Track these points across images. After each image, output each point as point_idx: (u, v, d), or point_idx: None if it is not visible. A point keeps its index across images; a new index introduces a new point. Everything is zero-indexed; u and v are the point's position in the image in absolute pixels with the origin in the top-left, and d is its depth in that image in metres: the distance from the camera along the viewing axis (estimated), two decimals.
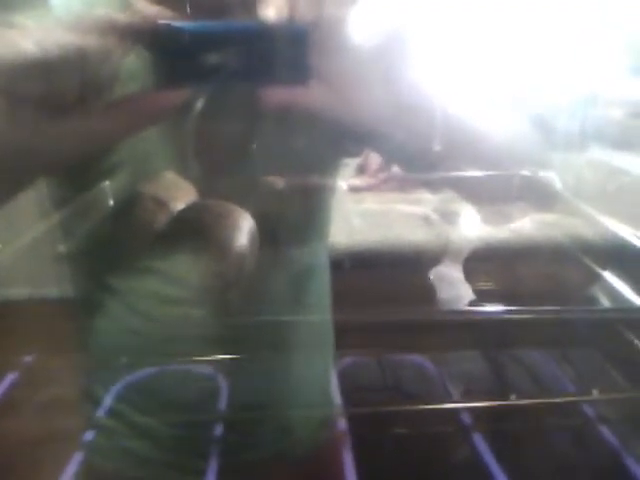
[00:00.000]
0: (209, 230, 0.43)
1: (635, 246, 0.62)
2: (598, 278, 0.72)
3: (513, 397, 0.49)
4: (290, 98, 0.31)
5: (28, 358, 0.56)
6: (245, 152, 0.49)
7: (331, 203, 0.57)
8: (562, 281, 0.73)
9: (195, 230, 0.44)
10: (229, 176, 0.49)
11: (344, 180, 0.84)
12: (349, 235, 0.72)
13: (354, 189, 0.87)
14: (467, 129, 0.41)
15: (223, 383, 0.52)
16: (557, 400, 0.55)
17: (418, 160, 0.41)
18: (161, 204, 0.45)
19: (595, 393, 0.52)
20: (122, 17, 0.29)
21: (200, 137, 0.45)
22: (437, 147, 0.38)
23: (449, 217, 0.79)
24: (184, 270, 0.47)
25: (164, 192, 0.46)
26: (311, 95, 0.32)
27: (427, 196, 0.84)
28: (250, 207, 0.46)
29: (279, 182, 0.50)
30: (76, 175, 0.46)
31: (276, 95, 0.31)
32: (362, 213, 0.81)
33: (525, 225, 0.73)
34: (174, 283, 0.50)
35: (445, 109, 0.38)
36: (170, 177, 0.48)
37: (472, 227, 0.75)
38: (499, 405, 0.52)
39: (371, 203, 0.85)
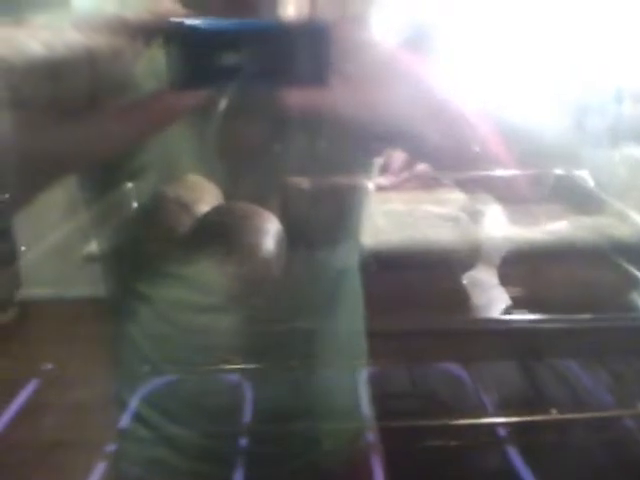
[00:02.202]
0: (234, 233, 0.42)
1: None
2: (638, 283, 0.68)
3: (554, 412, 0.47)
4: (311, 100, 0.30)
5: (52, 362, 0.56)
6: (269, 153, 0.48)
7: (362, 203, 0.55)
8: (599, 287, 0.70)
9: (220, 233, 0.43)
10: (254, 177, 0.48)
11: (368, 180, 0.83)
12: (374, 235, 0.70)
13: (377, 188, 0.85)
14: (504, 128, 0.39)
15: (249, 392, 0.51)
16: (597, 415, 0.52)
17: (453, 159, 0.39)
18: (185, 207, 0.44)
19: None
20: (134, 16, 0.28)
21: (224, 138, 0.44)
22: (476, 148, 0.36)
23: (477, 217, 0.76)
24: (209, 277, 0.46)
25: (188, 194, 0.45)
26: (332, 96, 0.30)
27: (454, 196, 0.82)
28: (277, 209, 0.45)
29: (305, 183, 0.49)
30: (104, 176, 0.45)
31: (296, 98, 0.30)
32: (387, 213, 0.79)
33: (562, 227, 0.70)
34: (200, 290, 0.50)
35: (481, 108, 0.37)
36: (194, 179, 0.47)
37: (504, 229, 0.72)
38: (535, 420, 0.49)
39: (395, 203, 0.83)
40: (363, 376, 0.55)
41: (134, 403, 0.52)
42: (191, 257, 0.44)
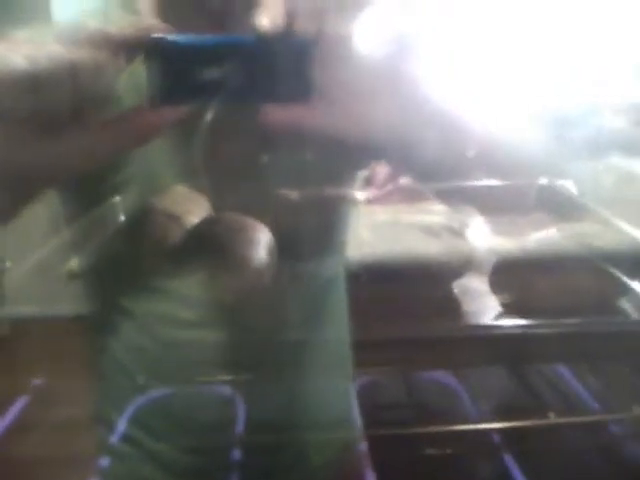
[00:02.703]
0: (225, 244, 0.42)
1: None
2: (625, 289, 0.69)
3: (552, 415, 0.47)
4: (293, 116, 0.30)
5: (40, 380, 0.55)
6: (256, 166, 0.48)
7: (348, 215, 0.56)
8: (587, 293, 0.71)
9: (210, 245, 0.43)
10: (241, 190, 0.48)
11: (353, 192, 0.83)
12: (359, 248, 0.70)
13: (363, 201, 0.86)
14: (484, 138, 0.39)
15: (240, 405, 0.50)
16: (591, 419, 0.52)
17: (442, 170, 0.40)
18: (173, 218, 0.44)
19: (636, 410, 0.49)
20: (116, 30, 0.28)
21: (210, 152, 0.44)
22: (470, 153, 0.36)
23: (461, 229, 0.77)
24: (198, 290, 0.46)
25: (176, 206, 0.45)
26: (314, 112, 0.30)
27: (437, 208, 0.83)
28: (266, 221, 0.45)
29: (294, 195, 0.49)
30: (87, 190, 0.45)
31: (278, 115, 0.30)
32: (372, 225, 0.80)
33: (550, 235, 0.71)
34: (189, 305, 0.49)
35: (462, 118, 0.37)
36: (181, 190, 0.47)
37: (488, 239, 0.73)
38: (528, 425, 0.49)
39: (380, 215, 0.84)
40: (353, 386, 0.55)
41: (121, 420, 0.51)
42: (181, 269, 0.44)
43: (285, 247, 0.44)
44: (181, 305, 0.49)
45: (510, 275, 0.67)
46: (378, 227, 0.78)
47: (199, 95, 0.29)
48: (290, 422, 0.53)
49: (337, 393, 0.57)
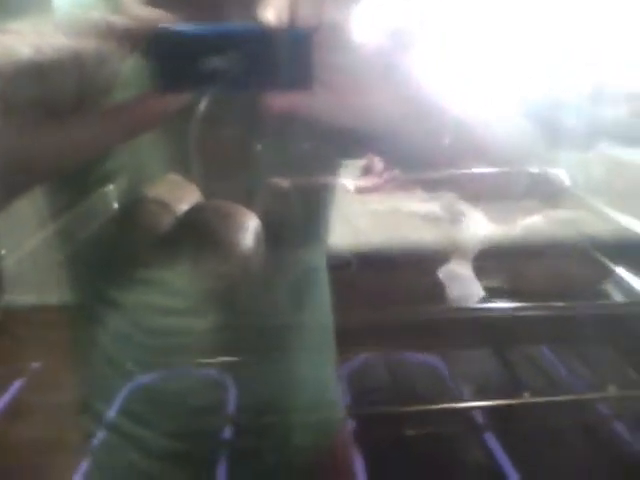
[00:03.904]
0: (214, 230, 0.43)
1: None
2: (610, 274, 0.71)
3: (527, 395, 0.48)
4: (292, 104, 0.31)
5: (35, 364, 0.56)
6: (249, 154, 0.48)
7: (332, 204, 0.56)
8: (572, 277, 0.72)
9: (200, 231, 0.43)
10: (233, 178, 0.48)
11: (351, 181, 0.84)
12: (355, 236, 0.71)
13: (360, 190, 0.86)
14: (475, 127, 0.40)
15: (230, 388, 0.52)
16: (570, 398, 0.54)
17: (424, 160, 0.40)
18: (164, 206, 0.44)
19: (611, 390, 0.51)
20: (120, 20, 0.28)
21: (203, 141, 0.45)
22: (446, 142, 0.37)
23: (456, 216, 0.78)
24: (186, 279, 0.46)
25: (167, 194, 0.45)
26: (313, 100, 0.31)
27: (434, 196, 0.83)
28: (255, 208, 0.46)
29: (284, 183, 0.50)
30: (76, 180, 0.45)
31: (278, 101, 0.31)
32: (368, 214, 0.80)
33: (537, 221, 0.72)
34: (176, 295, 0.50)
35: (453, 107, 0.38)
36: (173, 179, 0.47)
37: (481, 225, 0.74)
38: (510, 404, 0.51)
39: (377, 204, 0.84)
40: (334, 368, 0.56)
41: (107, 408, 0.52)
42: (171, 257, 0.45)
43: (271, 234, 0.45)
44: (168, 295, 0.50)
45: (496, 260, 0.69)
46: (375, 216, 0.79)
47: (201, 83, 0.30)
48: (278, 404, 0.54)
49: (322, 376, 0.59)
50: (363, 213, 0.80)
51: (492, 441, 0.51)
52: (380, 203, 0.84)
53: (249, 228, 0.43)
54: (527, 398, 0.49)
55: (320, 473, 0.58)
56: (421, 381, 0.70)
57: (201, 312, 0.50)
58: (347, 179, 0.82)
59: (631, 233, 0.63)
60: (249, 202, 0.46)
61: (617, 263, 0.68)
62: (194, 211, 0.43)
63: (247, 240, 0.43)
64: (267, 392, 0.54)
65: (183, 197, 0.45)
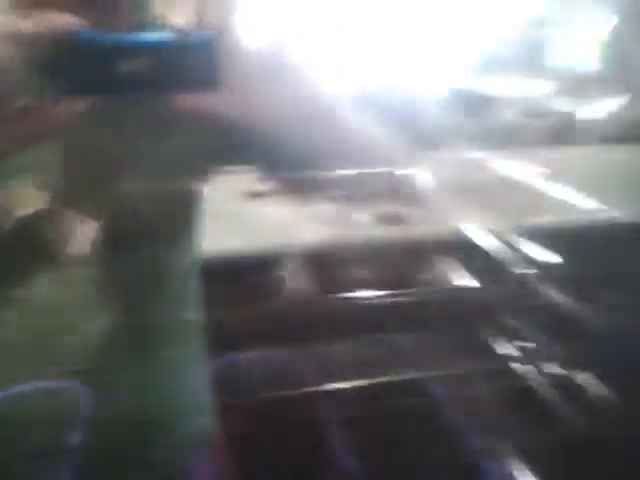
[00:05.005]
0: (43, 237, 0.42)
1: (469, 238, 0.70)
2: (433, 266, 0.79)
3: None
4: (199, 105, 0.33)
5: None
6: (107, 157, 0.47)
7: (197, 208, 0.57)
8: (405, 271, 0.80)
9: (30, 239, 0.42)
10: (89, 180, 0.47)
11: (247, 186, 0.85)
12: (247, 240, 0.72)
13: (254, 195, 0.88)
14: (339, 128, 0.44)
15: (86, 397, 0.50)
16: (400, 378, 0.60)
17: (310, 162, 0.43)
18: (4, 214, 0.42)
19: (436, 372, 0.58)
20: (31, 26, 0.27)
21: (73, 150, 0.43)
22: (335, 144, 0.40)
23: (345, 218, 0.82)
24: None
25: (8, 202, 0.43)
26: (217, 100, 0.33)
27: (323, 198, 0.87)
28: (105, 211, 0.46)
29: (137, 186, 0.49)
30: None
31: (186, 102, 0.32)
32: (259, 218, 0.82)
33: (365, 220, 0.78)
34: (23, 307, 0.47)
35: (342, 110, 0.41)
36: (20, 187, 0.45)
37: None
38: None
39: (270, 207, 0.86)
40: (203, 371, 0.57)
41: None
42: (8, 269, 0.43)
43: (125, 235, 0.45)
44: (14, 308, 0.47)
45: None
46: (266, 219, 0.81)
47: (113, 88, 0.31)
48: (142, 411, 0.54)
49: (189, 377, 0.59)
50: (248, 218, 0.82)
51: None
52: (272, 207, 0.86)
53: (82, 234, 0.43)
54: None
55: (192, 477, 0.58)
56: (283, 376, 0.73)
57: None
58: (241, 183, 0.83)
59: (461, 233, 0.72)
60: (102, 207, 0.46)
61: (446, 256, 0.76)
62: (24, 219, 0.42)
63: (78, 246, 0.42)
64: (130, 397, 0.53)
65: (27, 205, 0.43)
